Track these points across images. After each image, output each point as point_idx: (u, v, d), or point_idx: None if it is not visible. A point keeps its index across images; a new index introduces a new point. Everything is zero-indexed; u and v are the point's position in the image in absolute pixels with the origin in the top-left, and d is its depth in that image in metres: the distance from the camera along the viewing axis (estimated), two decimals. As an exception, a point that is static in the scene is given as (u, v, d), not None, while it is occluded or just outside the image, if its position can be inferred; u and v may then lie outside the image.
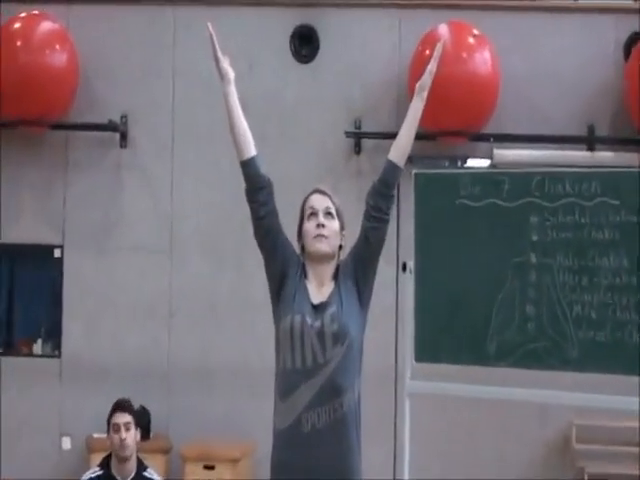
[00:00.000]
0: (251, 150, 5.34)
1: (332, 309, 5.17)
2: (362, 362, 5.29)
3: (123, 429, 7.88)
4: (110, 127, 11.72)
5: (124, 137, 11.79)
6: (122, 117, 11.77)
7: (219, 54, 5.45)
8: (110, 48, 11.94)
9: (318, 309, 5.19)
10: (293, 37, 11.76)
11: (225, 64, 5.47)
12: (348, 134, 11.57)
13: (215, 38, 5.41)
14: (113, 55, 11.95)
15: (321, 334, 5.13)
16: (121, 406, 8.05)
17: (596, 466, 11.32)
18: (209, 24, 5.46)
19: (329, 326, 5.13)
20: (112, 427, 7.94)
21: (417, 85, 5.45)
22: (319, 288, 5.26)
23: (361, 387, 5.22)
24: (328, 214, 5.27)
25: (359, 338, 5.23)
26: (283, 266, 5.31)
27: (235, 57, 10.56)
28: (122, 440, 7.86)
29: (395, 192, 5.29)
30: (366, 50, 11.81)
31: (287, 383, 5.21)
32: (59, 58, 11.49)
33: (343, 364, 5.14)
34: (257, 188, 5.34)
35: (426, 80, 5.41)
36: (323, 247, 5.22)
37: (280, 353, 5.22)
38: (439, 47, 5.43)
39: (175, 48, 11.92)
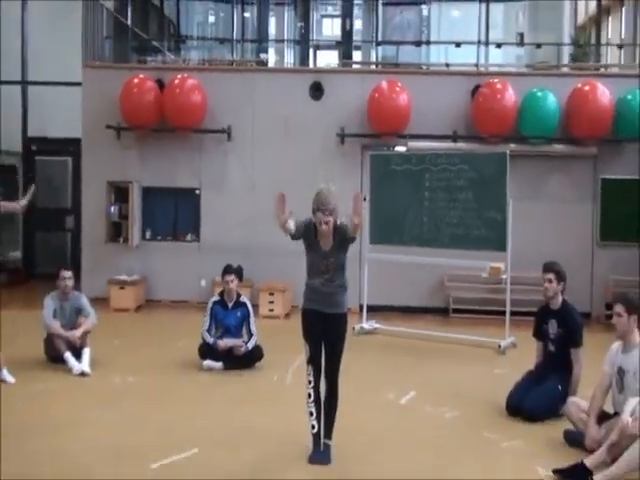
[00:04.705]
0: (292, 230, 5.33)
1: (334, 257, 5.48)
2: (346, 268, 5.56)
3: (230, 283, 8.31)
4: (223, 131, 12.46)
5: (229, 136, 12.50)
6: (228, 126, 12.47)
7: (282, 214, 5.15)
8: (222, 94, 12.46)
9: (326, 253, 5.47)
10: (311, 87, 12.46)
11: (284, 218, 5.17)
12: (338, 134, 12.33)
13: (285, 201, 5.17)
14: (224, 97, 12.47)
15: (328, 263, 5.48)
16: (228, 270, 8.38)
17: (455, 293, 12.21)
18: (284, 193, 5.18)
19: (332, 262, 5.47)
20: (224, 281, 8.37)
21: (350, 226, 5.28)
22: (325, 241, 5.46)
23: (346, 274, 5.57)
24: (329, 213, 5.34)
25: (344, 264, 5.54)
26: (305, 239, 5.48)
27: (283, 98, 12.36)
28: (230, 288, 8.34)
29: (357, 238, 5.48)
30: (347, 93, 12.37)
31: (311, 274, 5.60)
32: (196, 99, 12.22)
33: (337, 271, 5.51)
34: (294, 237, 5.43)
35: (356, 227, 5.25)
36: (325, 230, 5.40)
37: (308, 263, 5.56)
38: (360, 202, 5.22)
39: (254, 95, 12.52)
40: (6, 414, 6.38)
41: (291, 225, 5.28)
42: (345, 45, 15.83)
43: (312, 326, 5.58)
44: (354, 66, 14.99)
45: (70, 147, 14.03)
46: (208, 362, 8.26)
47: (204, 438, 6.06)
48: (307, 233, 5.47)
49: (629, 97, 11.84)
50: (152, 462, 5.51)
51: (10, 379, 7.58)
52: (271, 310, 11.59)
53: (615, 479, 5.01)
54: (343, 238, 5.43)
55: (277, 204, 5.17)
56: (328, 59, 17.51)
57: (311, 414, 5.60)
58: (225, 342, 8.28)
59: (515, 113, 11.94)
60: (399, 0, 21.11)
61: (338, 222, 5.43)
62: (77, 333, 8.20)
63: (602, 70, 14.38)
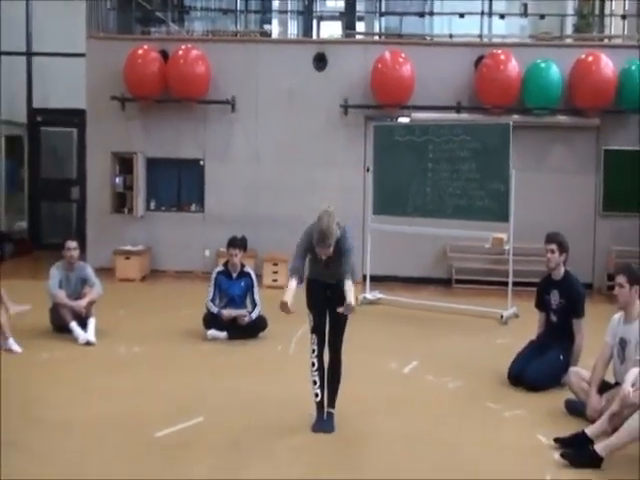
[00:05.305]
0: (301, 279, 5.37)
1: (335, 263, 5.39)
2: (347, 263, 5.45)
3: (234, 257, 8.39)
4: (227, 102, 12.47)
5: (233, 107, 12.53)
6: (232, 97, 12.48)
7: (284, 308, 5.19)
8: (227, 64, 12.50)
9: (325, 263, 5.45)
10: (314, 58, 12.49)
11: (288, 308, 5.19)
12: (341, 105, 12.36)
13: (287, 307, 5.18)
14: (228, 68, 12.51)
15: (328, 266, 5.46)
16: (234, 243, 8.47)
17: (458, 263, 12.28)
18: (286, 302, 5.18)
19: (332, 266, 5.42)
20: (229, 254, 8.42)
21: (349, 308, 5.25)
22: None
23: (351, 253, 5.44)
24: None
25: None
26: (310, 252, 5.41)
27: (286, 69, 12.42)
28: (234, 262, 8.41)
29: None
30: (350, 64, 12.38)
31: (313, 269, 5.63)
32: (200, 70, 12.24)
33: (338, 269, 5.39)
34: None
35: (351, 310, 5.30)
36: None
37: (310, 261, 5.54)
38: (350, 310, 5.23)
39: (258, 66, 12.57)
40: (12, 383, 6.39)
41: (294, 286, 5.28)
42: (348, 16, 15.63)
43: (316, 295, 5.59)
44: (357, 37, 14.87)
45: (75, 118, 14.01)
46: (212, 332, 8.32)
47: (209, 407, 6.09)
48: (309, 244, 5.41)
49: (632, 68, 11.81)
50: (157, 430, 5.52)
51: (16, 348, 7.60)
52: (275, 280, 11.65)
53: (615, 449, 5.00)
54: (343, 247, 5.40)
55: (282, 309, 5.22)
56: (331, 30, 17.23)
57: (315, 383, 5.63)
58: (229, 312, 8.33)
59: (518, 84, 11.90)
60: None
61: (338, 232, 5.36)
62: (82, 303, 8.22)
63: (605, 41, 14.24)
